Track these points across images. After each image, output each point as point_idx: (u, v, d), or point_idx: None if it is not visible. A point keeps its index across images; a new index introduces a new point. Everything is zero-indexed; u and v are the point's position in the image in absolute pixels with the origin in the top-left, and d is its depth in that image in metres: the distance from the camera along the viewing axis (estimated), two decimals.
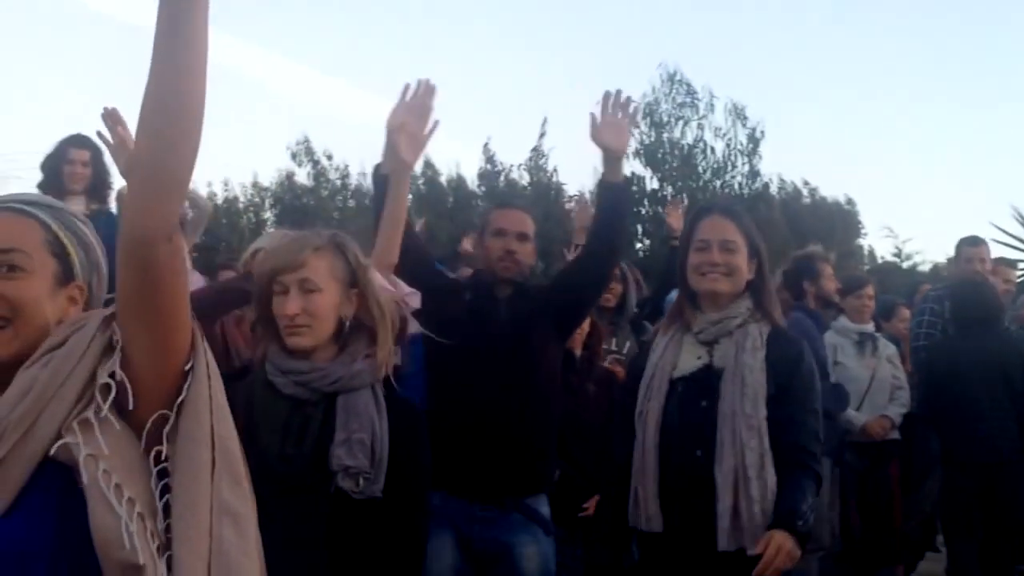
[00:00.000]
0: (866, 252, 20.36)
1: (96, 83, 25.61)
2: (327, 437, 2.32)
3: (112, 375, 1.44)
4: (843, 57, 29.19)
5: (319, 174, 19.62)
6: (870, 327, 5.83)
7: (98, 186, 4.98)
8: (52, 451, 1.41)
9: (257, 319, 2.47)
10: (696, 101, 18.36)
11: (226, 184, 18.91)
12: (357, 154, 19.51)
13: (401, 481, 2.36)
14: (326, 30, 31.29)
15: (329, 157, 19.64)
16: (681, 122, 18.59)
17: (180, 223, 1.62)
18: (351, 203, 18.76)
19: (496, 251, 3.60)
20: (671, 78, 18.52)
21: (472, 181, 19.74)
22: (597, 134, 3.51)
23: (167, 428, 1.47)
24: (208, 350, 1.55)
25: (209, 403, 1.52)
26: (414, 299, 2.98)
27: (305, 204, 18.39)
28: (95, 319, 1.49)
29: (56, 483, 1.42)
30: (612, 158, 3.58)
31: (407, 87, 3.07)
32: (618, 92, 3.51)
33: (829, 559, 5.24)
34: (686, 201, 9.01)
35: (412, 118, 3.04)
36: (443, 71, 30.79)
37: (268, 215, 19.04)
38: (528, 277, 3.87)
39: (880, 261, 19.20)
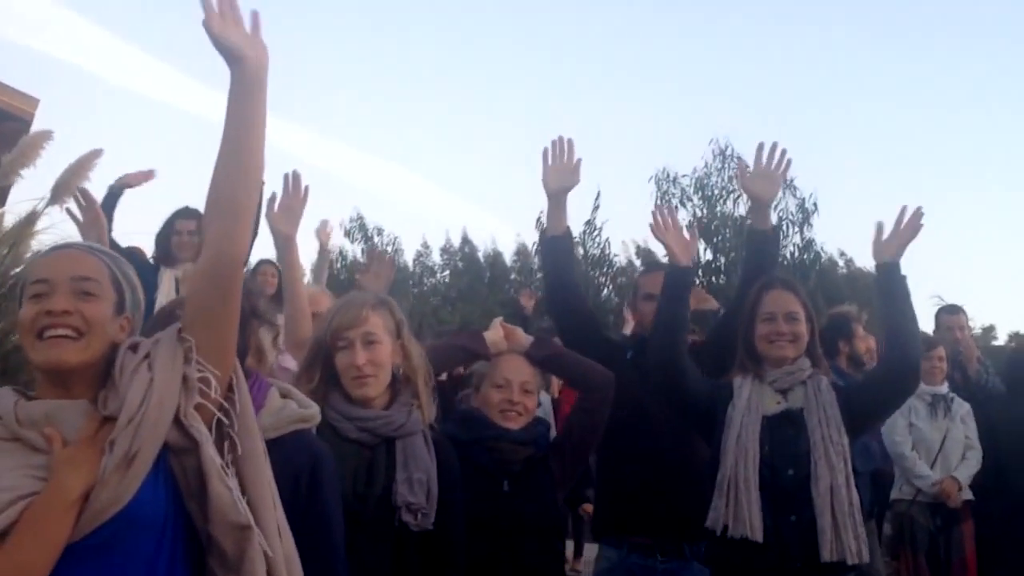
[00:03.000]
0: None
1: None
2: (390, 477, 2.61)
3: (201, 372, 1.84)
4: (884, 128, 29.23)
5: (371, 249, 20.10)
6: (943, 388, 5.82)
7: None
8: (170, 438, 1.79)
9: (318, 372, 2.71)
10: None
11: None
12: (405, 229, 20.01)
13: (446, 515, 2.66)
14: (375, 115, 32.12)
15: (380, 232, 20.10)
16: (733, 196, 18.69)
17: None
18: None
19: (649, 314, 3.70)
20: (722, 152, 18.68)
21: (509, 257, 20.10)
22: (749, 183, 3.80)
23: (233, 426, 1.89)
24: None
25: (250, 410, 1.95)
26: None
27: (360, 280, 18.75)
28: (167, 333, 1.89)
29: (163, 463, 1.80)
30: (761, 206, 3.86)
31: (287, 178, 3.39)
32: (774, 144, 3.73)
33: None
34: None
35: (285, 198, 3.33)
36: (493, 146, 31.31)
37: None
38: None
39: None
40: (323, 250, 7.81)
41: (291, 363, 3.12)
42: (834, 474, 3.12)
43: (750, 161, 3.79)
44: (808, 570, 3.10)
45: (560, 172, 3.81)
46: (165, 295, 4.80)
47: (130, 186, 5.13)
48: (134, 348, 1.87)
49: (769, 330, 3.34)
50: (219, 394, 1.87)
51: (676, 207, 18.32)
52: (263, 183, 1.98)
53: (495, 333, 3.32)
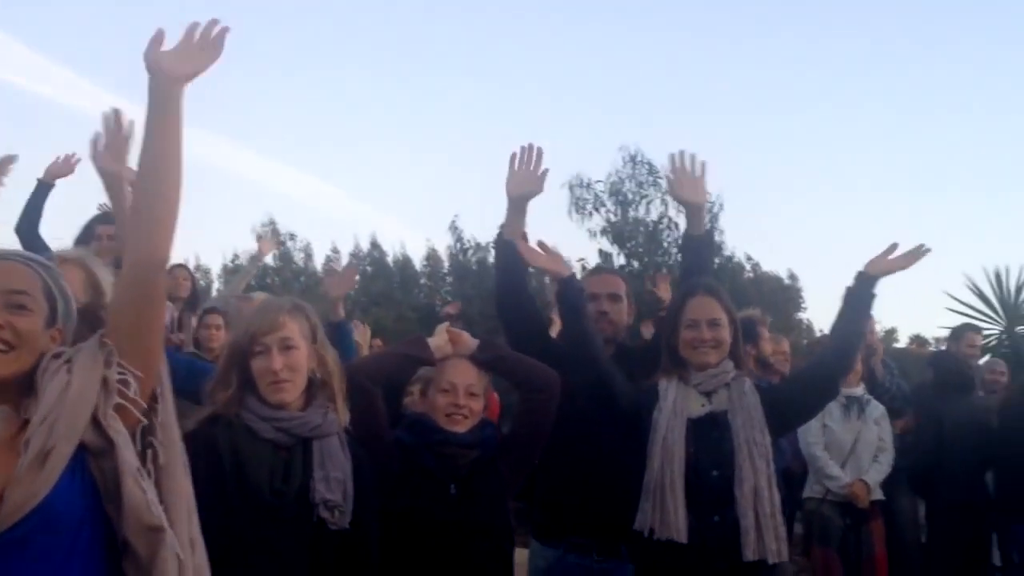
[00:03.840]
0: (804, 326, 20.59)
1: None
2: (308, 475, 2.63)
3: (121, 375, 1.86)
4: (788, 134, 29.84)
5: (284, 254, 19.93)
6: (858, 390, 5.99)
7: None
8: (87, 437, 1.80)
9: (234, 377, 2.72)
10: (658, 179, 18.72)
11: (198, 262, 19.20)
12: (319, 235, 19.92)
13: (361, 515, 2.70)
14: (286, 119, 31.85)
15: (292, 237, 19.93)
16: (645, 200, 18.94)
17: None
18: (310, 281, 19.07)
19: (591, 313, 3.69)
20: (632, 159, 18.91)
21: (418, 262, 20.13)
22: (677, 191, 3.86)
23: (154, 433, 1.91)
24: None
25: (174, 419, 1.98)
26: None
27: (271, 283, 18.64)
28: (91, 340, 1.90)
29: (82, 464, 1.81)
30: (694, 212, 3.90)
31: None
32: (682, 152, 3.80)
33: None
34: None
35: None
36: (407, 156, 31.29)
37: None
38: (626, 336, 4.09)
39: (819, 334, 19.52)
40: (256, 259, 7.83)
41: None
42: (757, 475, 3.19)
43: (665, 169, 3.85)
44: (731, 570, 3.16)
45: (525, 179, 3.80)
46: None
47: (59, 176, 4.97)
48: (57, 355, 1.89)
49: (693, 336, 3.39)
50: (140, 396, 1.89)
51: (590, 213, 18.58)
52: (182, 190, 1.97)
53: (440, 338, 3.32)
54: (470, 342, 3.33)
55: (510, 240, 3.81)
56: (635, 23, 30.31)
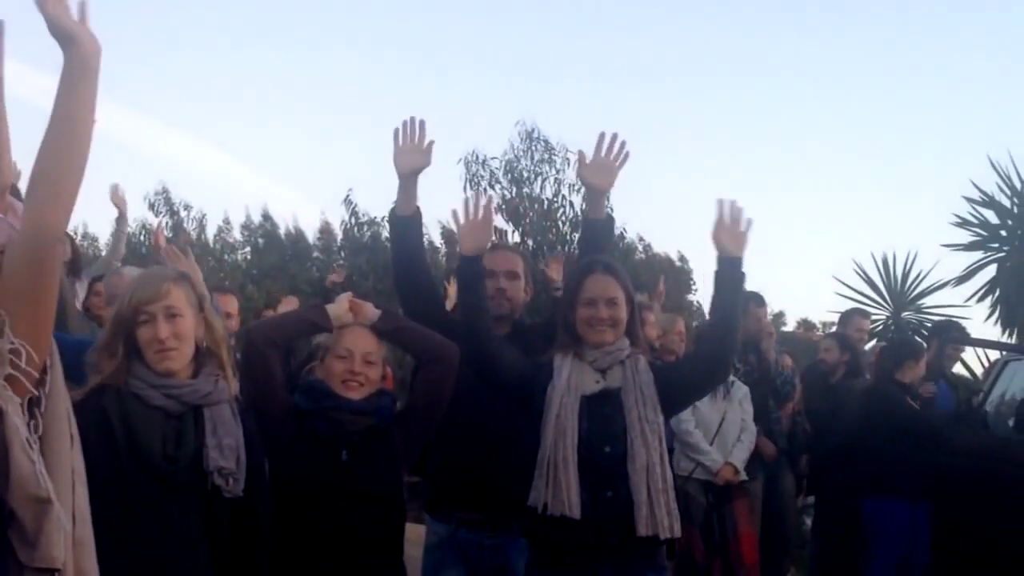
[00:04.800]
0: (695, 307, 21.04)
1: None
2: (200, 443, 2.66)
3: (12, 345, 1.83)
4: (681, 111, 30.29)
5: (177, 225, 19.52)
6: None
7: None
8: None
9: (120, 346, 2.70)
10: (554, 157, 18.80)
11: (86, 229, 18.71)
12: (212, 206, 19.55)
13: (253, 482, 2.73)
14: (182, 87, 30.99)
15: (187, 208, 19.54)
16: (540, 178, 19.01)
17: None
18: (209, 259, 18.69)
19: (488, 291, 3.71)
20: (529, 135, 18.93)
21: (311, 235, 19.95)
22: (585, 172, 3.83)
23: (39, 406, 1.89)
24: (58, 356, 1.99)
25: (63, 392, 1.96)
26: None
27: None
28: None
29: None
30: (597, 195, 3.94)
31: None
32: (614, 135, 3.78)
33: None
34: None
35: None
36: (299, 126, 30.80)
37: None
38: (523, 314, 4.09)
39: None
40: (121, 218, 7.30)
41: None
42: (650, 452, 3.23)
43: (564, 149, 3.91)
44: (623, 544, 3.22)
45: (410, 154, 3.77)
46: None
47: None
48: None
49: (589, 315, 3.39)
50: (33, 367, 1.87)
51: (485, 189, 18.59)
52: (87, 160, 1.97)
53: (339, 307, 3.33)
54: (371, 312, 3.34)
55: (404, 216, 3.83)
56: None
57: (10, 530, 1.83)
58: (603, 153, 3.79)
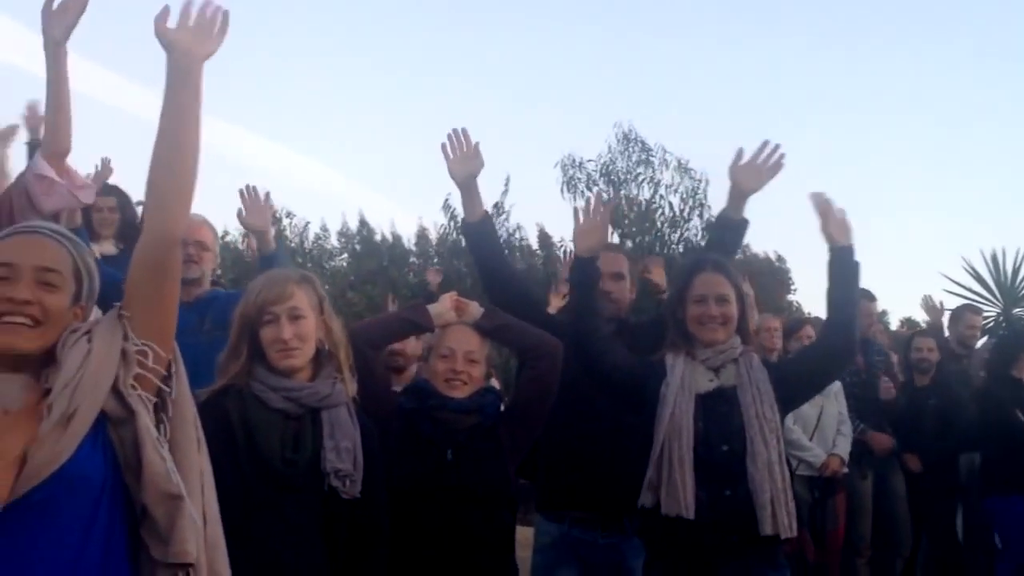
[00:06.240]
0: (795, 308, 20.59)
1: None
2: (318, 445, 2.70)
3: (138, 346, 1.91)
4: (777, 110, 29.73)
5: (279, 233, 19.96)
6: None
7: (125, 229, 5.22)
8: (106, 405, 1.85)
9: (245, 347, 2.77)
10: (651, 158, 18.68)
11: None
12: (312, 214, 19.84)
13: (371, 483, 2.76)
14: (287, 103, 31.68)
15: (290, 216, 19.99)
16: (637, 179, 18.91)
17: None
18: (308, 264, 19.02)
19: (613, 291, 3.72)
20: (626, 137, 18.86)
21: (408, 240, 20.18)
22: (735, 170, 3.82)
23: (167, 411, 1.96)
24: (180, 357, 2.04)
25: (188, 398, 2.02)
26: (87, 193, 3.25)
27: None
28: (108, 313, 1.97)
29: (102, 431, 1.86)
30: (738, 195, 3.88)
31: None
32: (776, 145, 3.79)
33: None
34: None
35: None
36: (403, 133, 31.20)
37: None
38: (629, 313, 4.13)
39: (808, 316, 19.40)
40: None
41: (49, 170, 3.09)
42: (769, 450, 3.18)
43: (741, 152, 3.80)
44: (745, 544, 3.17)
45: (462, 160, 3.86)
46: None
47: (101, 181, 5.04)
48: (75, 330, 1.93)
49: (700, 312, 3.36)
50: (159, 364, 1.94)
51: (582, 192, 18.57)
52: (199, 166, 2.03)
53: (442, 306, 3.35)
54: (475, 310, 3.35)
55: (472, 223, 3.89)
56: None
57: (143, 527, 1.88)
58: (761, 158, 3.79)
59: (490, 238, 4.01)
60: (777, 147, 3.79)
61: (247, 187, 4.10)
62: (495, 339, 3.42)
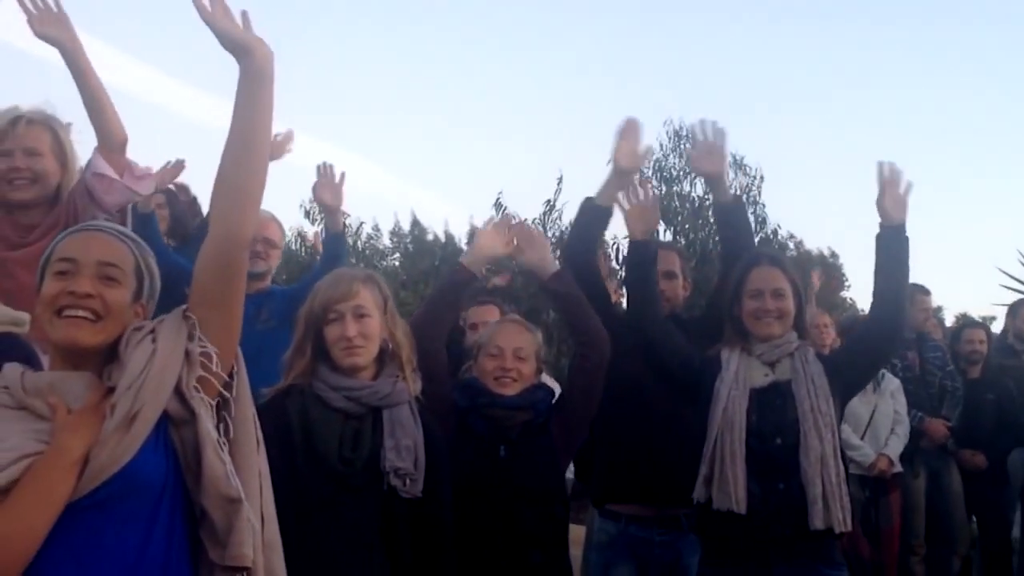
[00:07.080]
0: (848, 304, 20.32)
1: None
2: (378, 444, 2.69)
3: (203, 349, 1.92)
4: (832, 110, 29.41)
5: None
6: None
7: (176, 227, 5.26)
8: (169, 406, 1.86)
9: (309, 345, 2.80)
10: None
11: None
12: (364, 213, 19.96)
13: (434, 483, 2.73)
14: (337, 102, 31.88)
15: (345, 216, 20.15)
16: (690, 176, 18.81)
17: None
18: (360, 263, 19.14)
19: (667, 289, 3.73)
20: (677, 133, 18.79)
21: (460, 239, 20.24)
22: (697, 163, 3.90)
23: (228, 410, 1.97)
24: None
25: (248, 397, 2.03)
26: (145, 184, 3.32)
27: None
28: (173, 313, 1.98)
29: (164, 432, 1.88)
30: (715, 182, 3.92)
31: None
32: (704, 119, 3.83)
33: None
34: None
35: None
36: (454, 132, 31.28)
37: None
38: (682, 310, 4.15)
39: (862, 313, 19.17)
40: None
41: (107, 168, 3.15)
42: (823, 444, 3.15)
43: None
44: (796, 538, 3.16)
45: (633, 155, 3.79)
46: None
47: (168, 182, 5.05)
48: (139, 328, 1.95)
49: (756, 307, 3.36)
50: (222, 370, 1.94)
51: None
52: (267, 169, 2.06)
53: (482, 238, 3.46)
54: (545, 250, 3.44)
55: (598, 206, 3.85)
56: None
57: (202, 530, 1.90)
58: (703, 139, 3.83)
59: (603, 226, 3.99)
60: (706, 121, 3.83)
61: (324, 164, 4.25)
62: (558, 304, 3.43)
